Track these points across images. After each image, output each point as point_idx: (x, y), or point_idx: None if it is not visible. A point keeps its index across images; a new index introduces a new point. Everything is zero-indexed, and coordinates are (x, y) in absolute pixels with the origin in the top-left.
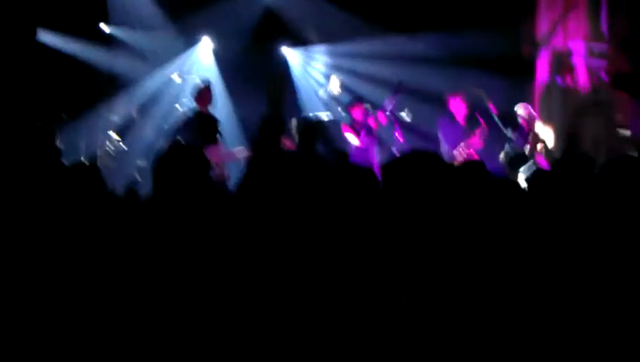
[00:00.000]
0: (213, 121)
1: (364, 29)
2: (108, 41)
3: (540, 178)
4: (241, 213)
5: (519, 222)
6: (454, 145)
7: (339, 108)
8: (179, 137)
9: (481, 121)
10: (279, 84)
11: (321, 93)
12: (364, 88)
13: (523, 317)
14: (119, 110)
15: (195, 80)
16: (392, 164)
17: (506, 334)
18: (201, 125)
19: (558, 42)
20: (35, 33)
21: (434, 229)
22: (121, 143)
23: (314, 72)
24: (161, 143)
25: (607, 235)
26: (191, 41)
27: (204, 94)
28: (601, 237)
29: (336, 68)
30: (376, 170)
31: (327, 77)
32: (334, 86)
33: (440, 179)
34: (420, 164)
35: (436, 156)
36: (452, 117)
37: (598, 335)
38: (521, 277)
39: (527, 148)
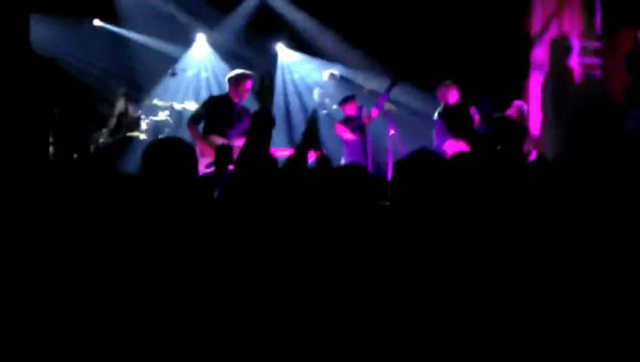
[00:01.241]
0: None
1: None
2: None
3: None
4: (222, 214)
5: (521, 215)
6: (444, 140)
7: (333, 105)
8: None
9: (476, 116)
10: (270, 81)
11: (315, 94)
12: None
13: (523, 315)
14: (118, 107)
15: (188, 74)
16: (403, 163)
17: (507, 333)
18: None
19: (551, 38)
20: (28, 29)
21: (440, 227)
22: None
23: (297, 76)
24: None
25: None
26: (186, 38)
27: (241, 84)
28: (601, 232)
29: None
30: (370, 164)
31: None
32: (325, 75)
33: (441, 176)
34: (429, 163)
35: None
36: (444, 112)
37: (598, 334)
38: (521, 277)
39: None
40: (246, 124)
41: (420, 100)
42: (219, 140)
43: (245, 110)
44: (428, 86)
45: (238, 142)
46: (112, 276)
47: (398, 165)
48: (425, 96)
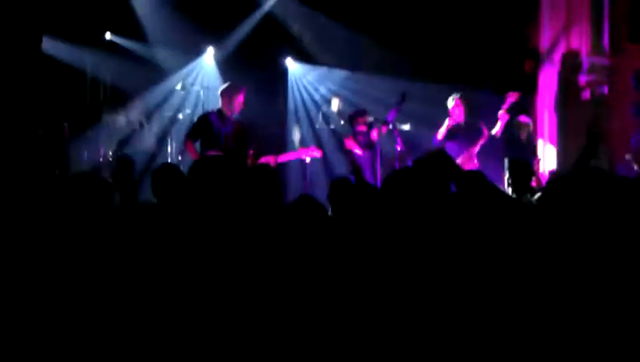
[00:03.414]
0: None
1: (368, 49)
2: (113, 50)
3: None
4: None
5: (520, 233)
6: (455, 155)
7: (341, 122)
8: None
9: (484, 130)
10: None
11: (334, 104)
12: (365, 104)
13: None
14: (123, 119)
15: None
16: (392, 176)
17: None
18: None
19: (560, 56)
20: (40, 41)
21: (429, 238)
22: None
23: (310, 87)
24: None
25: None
26: (194, 52)
27: (234, 97)
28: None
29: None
30: (379, 179)
31: (328, 100)
32: (334, 107)
33: (438, 190)
34: (422, 176)
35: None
36: (452, 128)
37: (596, 333)
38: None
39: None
40: (243, 136)
41: (429, 114)
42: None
43: (240, 122)
44: (438, 100)
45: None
46: (109, 276)
47: (387, 180)
48: (434, 110)
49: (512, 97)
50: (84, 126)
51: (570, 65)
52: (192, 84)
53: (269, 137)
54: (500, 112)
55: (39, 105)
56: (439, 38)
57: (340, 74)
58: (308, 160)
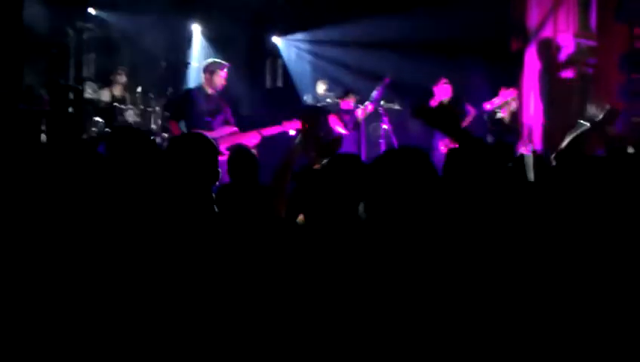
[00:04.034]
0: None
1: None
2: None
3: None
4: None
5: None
6: (441, 136)
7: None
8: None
9: (471, 110)
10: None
11: (319, 87)
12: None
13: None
14: (107, 94)
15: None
16: (378, 160)
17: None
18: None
19: (547, 36)
20: (21, 14)
21: (420, 225)
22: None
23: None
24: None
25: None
26: (180, 28)
27: (216, 74)
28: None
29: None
30: (363, 157)
31: (314, 80)
32: (320, 90)
33: (424, 175)
34: (406, 160)
35: (422, 152)
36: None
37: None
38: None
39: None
40: (226, 112)
41: (414, 93)
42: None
43: (222, 99)
44: (422, 79)
45: (221, 132)
46: (108, 269)
47: (375, 163)
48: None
49: (509, 94)
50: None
51: (553, 47)
52: (177, 61)
53: (253, 115)
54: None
55: (20, 80)
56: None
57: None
58: (292, 132)
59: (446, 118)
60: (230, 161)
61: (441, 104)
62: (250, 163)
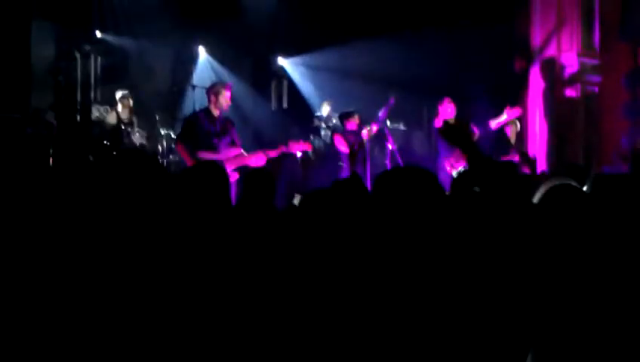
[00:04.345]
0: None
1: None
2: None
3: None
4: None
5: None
6: (448, 154)
7: (329, 125)
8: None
9: (475, 129)
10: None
11: (324, 109)
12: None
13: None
14: (113, 116)
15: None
16: (382, 177)
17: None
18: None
19: (550, 55)
20: (29, 38)
21: (420, 242)
22: None
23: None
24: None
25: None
26: (186, 51)
27: (221, 95)
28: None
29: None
30: (368, 179)
31: (320, 103)
32: (325, 111)
33: (428, 193)
34: (410, 178)
35: (427, 172)
36: (443, 127)
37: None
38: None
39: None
40: (232, 134)
41: (420, 113)
42: (209, 156)
43: (228, 120)
44: (426, 99)
45: (227, 153)
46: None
47: (376, 180)
48: (425, 109)
49: (514, 113)
50: (75, 124)
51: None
52: (183, 83)
53: (261, 134)
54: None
55: (27, 103)
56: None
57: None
58: (299, 154)
59: (465, 138)
60: (246, 181)
61: (447, 123)
62: (269, 185)
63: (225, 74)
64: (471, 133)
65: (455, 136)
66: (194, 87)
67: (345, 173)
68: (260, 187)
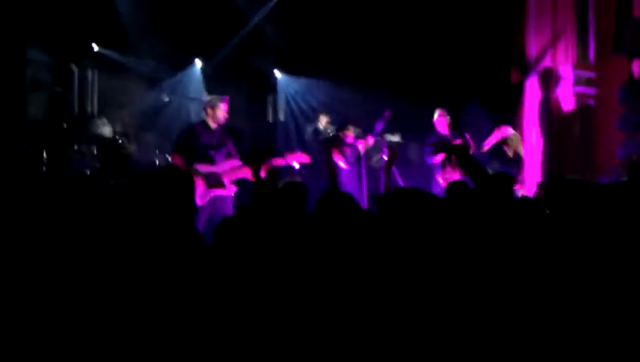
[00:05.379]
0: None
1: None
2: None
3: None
4: None
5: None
6: (439, 169)
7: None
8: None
9: (470, 141)
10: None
11: (321, 122)
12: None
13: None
14: (108, 130)
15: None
16: (387, 197)
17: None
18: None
19: (546, 67)
20: (24, 51)
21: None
22: None
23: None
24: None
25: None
26: (182, 64)
27: (217, 108)
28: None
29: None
30: (365, 192)
31: (316, 115)
32: (322, 124)
33: (429, 214)
34: (413, 199)
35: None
36: (437, 141)
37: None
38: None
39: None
40: (229, 146)
41: (415, 125)
42: (205, 168)
43: (225, 132)
44: (423, 109)
45: (224, 166)
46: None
47: (379, 199)
48: (420, 121)
49: (505, 132)
50: (71, 138)
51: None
52: (179, 96)
53: (258, 147)
54: (497, 129)
55: (22, 118)
56: (425, 52)
57: (326, 87)
58: (297, 166)
59: (463, 154)
60: (281, 192)
61: (440, 137)
62: (301, 196)
63: (220, 86)
64: (466, 146)
65: (446, 151)
66: (191, 99)
67: (343, 187)
68: (293, 198)
